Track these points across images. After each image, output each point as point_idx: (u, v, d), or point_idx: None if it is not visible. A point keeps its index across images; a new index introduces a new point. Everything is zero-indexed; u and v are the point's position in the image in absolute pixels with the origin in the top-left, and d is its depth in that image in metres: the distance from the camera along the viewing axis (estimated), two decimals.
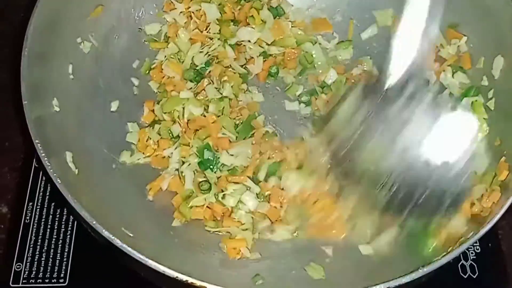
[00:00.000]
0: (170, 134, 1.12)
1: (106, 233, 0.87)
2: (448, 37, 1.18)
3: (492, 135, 1.06)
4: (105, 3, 1.16)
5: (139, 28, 1.24)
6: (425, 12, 0.91)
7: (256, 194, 1.06)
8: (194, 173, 1.08)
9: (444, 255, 0.86)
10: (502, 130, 1.05)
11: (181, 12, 1.22)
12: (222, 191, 1.05)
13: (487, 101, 1.09)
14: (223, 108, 1.13)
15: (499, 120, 1.06)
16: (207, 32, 1.21)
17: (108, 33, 1.18)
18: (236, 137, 1.11)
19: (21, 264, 1.09)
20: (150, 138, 1.12)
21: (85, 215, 0.88)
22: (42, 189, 1.18)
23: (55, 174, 0.90)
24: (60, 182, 0.90)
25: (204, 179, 1.06)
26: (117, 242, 0.86)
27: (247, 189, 1.05)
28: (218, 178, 1.07)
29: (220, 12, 1.22)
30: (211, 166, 1.07)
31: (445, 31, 1.18)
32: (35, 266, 1.09)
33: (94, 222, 0.87)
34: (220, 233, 1.04)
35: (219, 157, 1.08)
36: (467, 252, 1.12)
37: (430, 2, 0.91)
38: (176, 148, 1.10)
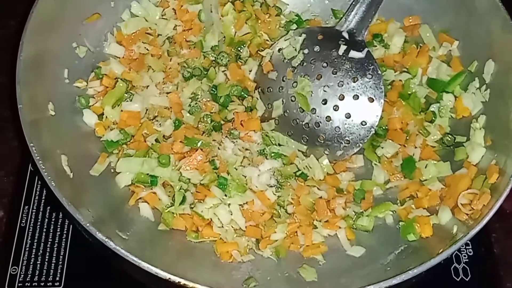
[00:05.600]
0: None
1: (99, 235, 0.88)
2: (439, 41, 1.20)
3: (487, 131, 1.08)
4: (101, 12, 1.18)
5: None
6: None
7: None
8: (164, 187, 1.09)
9: (434, 256, 0.87)
10: (494, 133, 1.06)
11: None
12: (201, 202, 1.06)
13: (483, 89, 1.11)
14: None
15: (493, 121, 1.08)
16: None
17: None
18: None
19: (16, 268, 1.10)
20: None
21: (79, 217, 0.89)
22: (38, 192, 1.19)
23: (49, 177, 0.91)
24: (54, 185, 0.91)
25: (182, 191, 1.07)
26: (111, 244, 0.87)
27: (221, 203, 1.05)
28: (195, 188, 1.08)
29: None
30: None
31: (437, 35, 1.20)
32: (31, 269, 1.10)
33: (88, 225, 0.88)
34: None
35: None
36: (460, 255, 1.13)
37: None
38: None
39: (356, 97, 1.13)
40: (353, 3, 1.16)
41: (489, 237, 1.16)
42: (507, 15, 1.07)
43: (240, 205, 1.06)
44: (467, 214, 0.98)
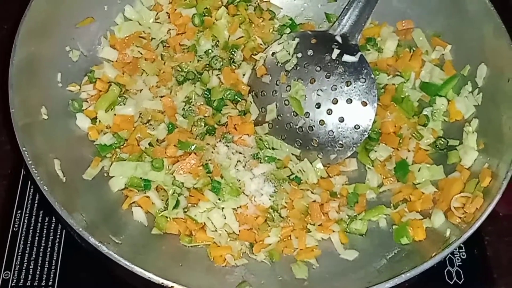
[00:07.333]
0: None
1: (92, 240, 0.87)
2: (432, 45, 1.20)
3: (480, 135, 1.08)
4: (95, 16, 1.18)
5: None
6: None
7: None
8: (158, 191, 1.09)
9: (428, 260, 0.88)
10: (486, 137, 1.07)
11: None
12: (194, 206, 1.06)
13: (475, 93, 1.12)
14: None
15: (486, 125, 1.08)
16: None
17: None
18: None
19: (9, 272, 1.09)
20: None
21: (71, 222, 0.88)
22: (30, 197, 1.18)
23: (42, 182, 0.91)
24: (47, 189, 0.90)
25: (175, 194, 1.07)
26: (104, 249, 0.87)
27: (215, 207, 1.05)
28: (189, 192, 1.08)
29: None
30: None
31: (430, 39, 1.20)
32: (23, 274, 1.09)
33: (81, 229, 0.88)
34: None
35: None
36: (453, 258, 1.13)
37: None
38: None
39: (349, 101, 1.13)
40: (347, 7, 1.17)
41: (482, 240, 1.16)
42: (499, 20, 1.07)
43: (233, 209, 1.06)
44: (460, 218, 0.99)
